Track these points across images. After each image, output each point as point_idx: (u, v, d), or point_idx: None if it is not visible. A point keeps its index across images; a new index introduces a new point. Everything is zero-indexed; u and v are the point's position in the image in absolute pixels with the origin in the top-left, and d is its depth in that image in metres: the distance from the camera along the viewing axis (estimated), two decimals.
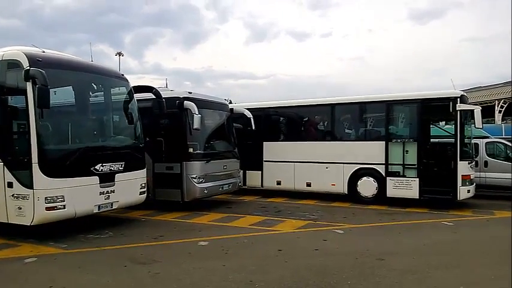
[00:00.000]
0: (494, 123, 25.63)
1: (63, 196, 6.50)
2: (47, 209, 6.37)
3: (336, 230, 7.60)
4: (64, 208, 6.54)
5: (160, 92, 9.21)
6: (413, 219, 8.71)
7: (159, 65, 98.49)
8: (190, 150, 9.54)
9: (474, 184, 10.26)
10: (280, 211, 9.81)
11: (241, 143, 11.74)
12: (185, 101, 9.49)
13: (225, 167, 10.40)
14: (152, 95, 9.07)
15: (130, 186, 7.90)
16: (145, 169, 8.40)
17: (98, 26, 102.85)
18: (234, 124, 11.74)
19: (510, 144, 12.24)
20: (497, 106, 28.48)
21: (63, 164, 6.73)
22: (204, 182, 9.57)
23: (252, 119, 11.45)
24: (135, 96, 8.50)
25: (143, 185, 8.30)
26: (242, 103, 13.80)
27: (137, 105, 8.44)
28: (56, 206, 6.44)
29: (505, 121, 34.58)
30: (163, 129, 9.81)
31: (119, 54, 48.00)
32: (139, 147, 8.39)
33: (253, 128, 11.51)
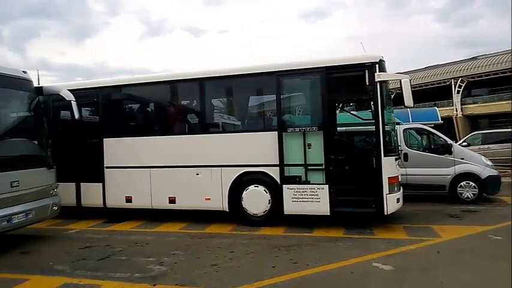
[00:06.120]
0: None
1: None
2: None
3: None
4: None
5: None
6: (329, 260, 5.26)
7: (44, 60, 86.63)
8: None
9: (402, 189, 7.28)
10: (108, 257, 5.69)
11: (71, 142, 8.05)
12: None
13: (15, 184, 5.96)
14: None
15: None
16: None
17: None
18: (59, 112, 7.61)
19: (433, 131, 9.63)
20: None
21: None
22: None
23: (73, 102, 7.03)
24: None
25: None
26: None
27: None
28: None
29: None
30: None
31: None
32: None
33: (76, 116, 7.07)
